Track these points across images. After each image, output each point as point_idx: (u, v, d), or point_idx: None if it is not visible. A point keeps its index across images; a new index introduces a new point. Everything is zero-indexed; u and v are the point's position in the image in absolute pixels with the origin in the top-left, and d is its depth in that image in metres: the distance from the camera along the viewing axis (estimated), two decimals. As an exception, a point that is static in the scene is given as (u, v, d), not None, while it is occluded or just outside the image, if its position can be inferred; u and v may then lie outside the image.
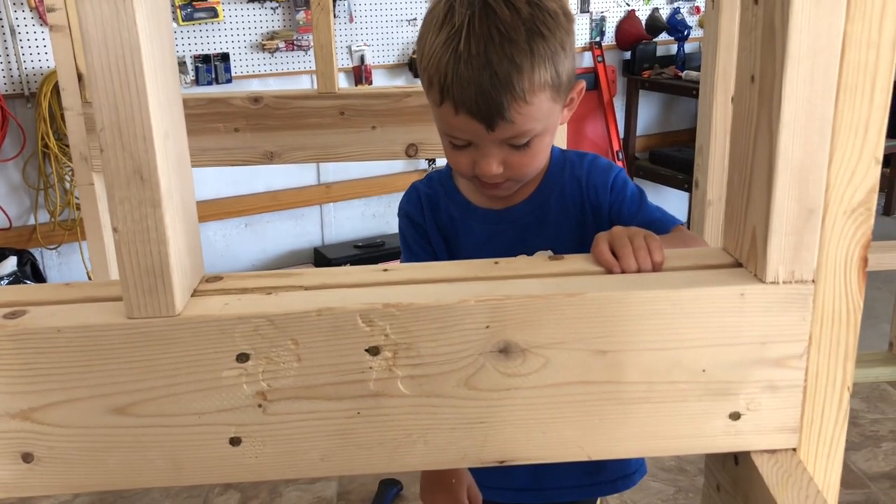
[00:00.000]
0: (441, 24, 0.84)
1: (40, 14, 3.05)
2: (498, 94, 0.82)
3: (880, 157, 0.62)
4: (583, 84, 0.93)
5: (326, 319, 0.63)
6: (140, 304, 0.62)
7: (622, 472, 1.09)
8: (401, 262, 1.02)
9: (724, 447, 0.68)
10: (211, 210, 3.38)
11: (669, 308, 0.64)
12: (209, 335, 0.62)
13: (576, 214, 0.94)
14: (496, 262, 0.71)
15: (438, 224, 1.01)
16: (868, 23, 0.59)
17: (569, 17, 0.87)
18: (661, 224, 0.90)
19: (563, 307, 0.64)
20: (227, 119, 1.81)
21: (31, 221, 3.27)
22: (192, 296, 0.65)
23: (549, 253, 0.88)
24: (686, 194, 4.17)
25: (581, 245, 0.92)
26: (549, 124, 0.88)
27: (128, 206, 0.60)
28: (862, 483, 1.76)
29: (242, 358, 0.63)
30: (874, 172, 0.62)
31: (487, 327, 0.64)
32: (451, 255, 1.00)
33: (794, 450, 0.69)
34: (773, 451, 0.68)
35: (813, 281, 0.64)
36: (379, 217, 3.96)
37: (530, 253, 0.77)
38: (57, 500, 1.91)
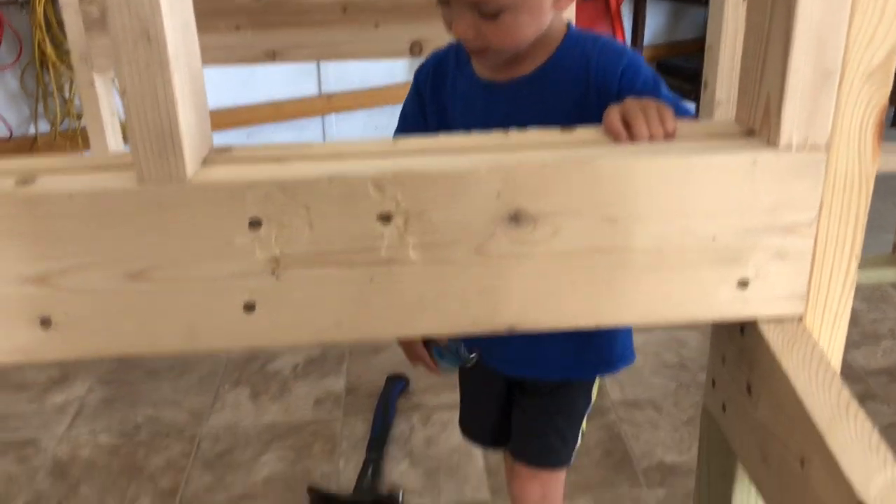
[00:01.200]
0: None
1: (31, -87, 2.95)
2: None
3: (902, 15, 0.60)
4: None
5: (338, 186, 0.63)
6: (151, 168, 0.61)
7: (608, 357, 1.11)
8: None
9: (732, 315, 0.69)
10: (212, 120, 3.34)
11: (680, 176, 0.64)
12: (221, 201, 0.62)
13: (577, 94, 0.93)
14: (507, 133, 0.70)
15: (439, 92, 1.02)
16: None
17: None
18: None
19: (574, 175, 0.64)
20: (229, 16, 1.77)
21: (32, 131, 3.24)
22: (203, 165, 0.65)
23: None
24: (694, 105, 4.12)
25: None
26: (523, 2, 0.88)
27: (135, 67, 0.59)
28: (860, 378, 1.80)
29: (254, 224, 0.63)
30: (894, 33, 0.61)
31: (499, 195, 0.64)
32: (448, 124, 1.01)
33: (801, 319, 0.69)
34: (779, 320, 0.69)
35: (827, 147, 0.63)
36: (382, 129, 3.92)
37: (522, 127, 0.77)
38: (72, 393, 1.96)
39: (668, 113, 0.69)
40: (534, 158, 0.65)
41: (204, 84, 0.67)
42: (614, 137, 0.68)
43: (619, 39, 4.35)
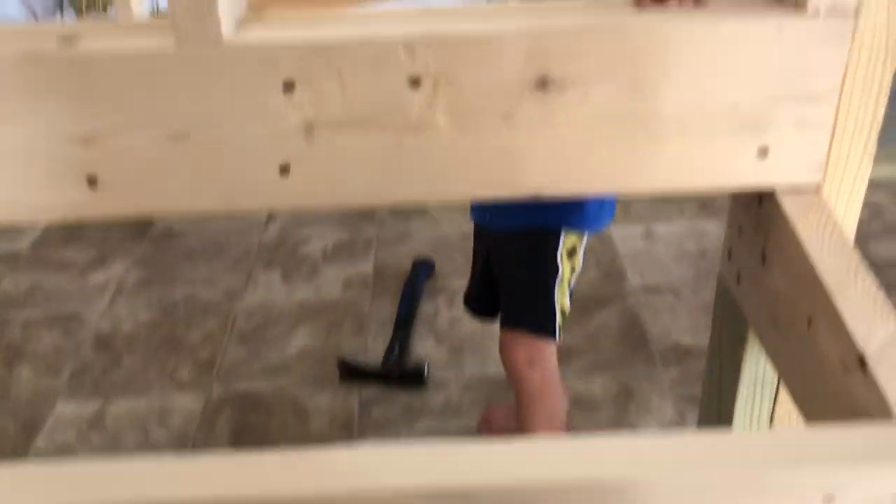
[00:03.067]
0: None
1: None
2: None
3: None
4: None
5: (370, 48, 0.64)
6: (188, 31, 0.63)
7: (571, 209, 1.16)
8: None
9: (752, 183, 0.71)
10: None
11: (707, 41, 0.64)
12: (255, 63, 0.64)
13: None
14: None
15: None
16: None
17: None
18: None
19: (602, 39, 0.65)
20: None
21: (58, 19, 3.23)
22: (238, 27, 0.67)
23: None
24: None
25: None
26: None
27: (171, -73, 0.60)
28: (882, 270, 1.81)
29: (288, 86, 0.65)
30: None
31: (527, 60, 0.65)
32: None
33: (818, 189, 0.71)
34: (797, 190, 0.71)
35: (855, 13, 0.64)
36: None
37: None
38: (111, 272, 2.04)
39: None
40: (562, 23, 0.66)
41: (237, -53, 0.68)
42: (640, 4, 0.68)
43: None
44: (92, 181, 0.69)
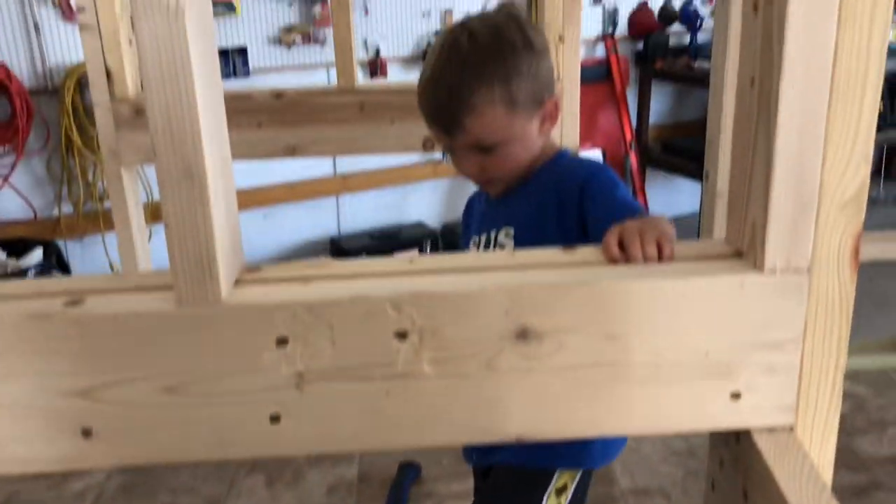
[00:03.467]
0: (424, 60, 1.08)
1: (63, 10, 3.12)
2: (450, 106, 1.02)
3: (870, 156, 0.66)
4: (555, 101, 1.08)
5: (359, 306, 0.68)
6: (189, 293, 0.67)
7: (563, 451, 1.13)
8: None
9: (726, 425, 0.73)
10: (230, 201, 3.43)
11: (673, 297, 0.69)
12: (252, 321, 0.68)
13: (554, 203, 1.05)
14: (514, 254, 0.76)
15: (469, 218, 1.25)
16: (858, 32, 0.64)
17: (530, 46, 1.03)
18: (628, 212, 0.96)
19: (577, 295, 0.69)
20: (251, 114, 1.86)
21: (55, 213, 3.35)
22: (235, 285, 0.71)
23: (510, 230, 1.09)
24: (699, 184, 4.19)
25: (557, 234, 1.03)
26: (513, 134, 1.04)
27: (178, 203, 0.65)
28: (866, 466, 1.81)
29: (282, 342, 0.69)
30: (864, 170, 0.67)
31: (507, 313, 0.69)
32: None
33: (792, 429, 0.74)
34: (771, 430, 0.73)
35: (808, 270, 0.69)
36: (393, 207, 4.01)
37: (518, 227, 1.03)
38: (92, 479, 1.99)
39: (667, 237, 0.75)
40: (539, 278, 0.70)
41: (237, 211, 0.74)
42: (611, 260, 0.74)
43: (625, 121, 4.47)
44: (87, 433, 0.70)
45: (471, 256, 0.77)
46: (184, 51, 0.62)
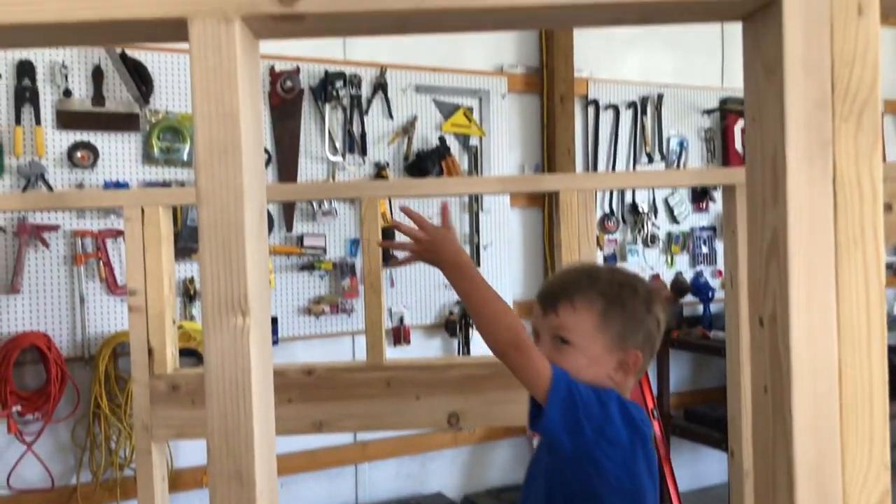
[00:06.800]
0: None
1: (108, 284, 3.32)
2: (558, 290, 1.19)
3: (888, 464, 0.69)
4: (638, 356, 1.19)
5: None
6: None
7: None
8: None
9: None
10: (249, 470, 3.39)
11: None
12: None
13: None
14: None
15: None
16: (858, 347, 0.70)
17: (647, 305, 1.20)
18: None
19: None
20: (281, 390, 1.93)
21: (73, 481, 3.31)
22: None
23: None
24: (724, 454, 4.12)
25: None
26: (589, 346, 1.15)
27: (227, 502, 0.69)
28: None
29: None
30: (885, 478, 0.69)
31: None
32: None
33: None
34: None
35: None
36: (413, 477, 3.93)
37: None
38: None
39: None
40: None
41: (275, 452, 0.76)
42: None
43: (646, 388, 4.49)
44: None
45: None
46: (245, 363, 0.68)
